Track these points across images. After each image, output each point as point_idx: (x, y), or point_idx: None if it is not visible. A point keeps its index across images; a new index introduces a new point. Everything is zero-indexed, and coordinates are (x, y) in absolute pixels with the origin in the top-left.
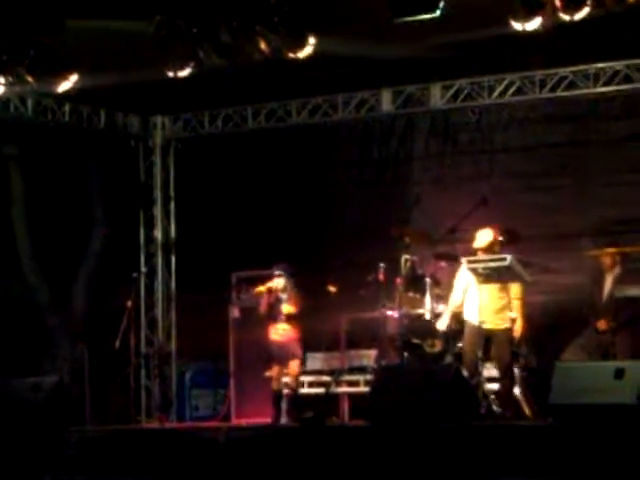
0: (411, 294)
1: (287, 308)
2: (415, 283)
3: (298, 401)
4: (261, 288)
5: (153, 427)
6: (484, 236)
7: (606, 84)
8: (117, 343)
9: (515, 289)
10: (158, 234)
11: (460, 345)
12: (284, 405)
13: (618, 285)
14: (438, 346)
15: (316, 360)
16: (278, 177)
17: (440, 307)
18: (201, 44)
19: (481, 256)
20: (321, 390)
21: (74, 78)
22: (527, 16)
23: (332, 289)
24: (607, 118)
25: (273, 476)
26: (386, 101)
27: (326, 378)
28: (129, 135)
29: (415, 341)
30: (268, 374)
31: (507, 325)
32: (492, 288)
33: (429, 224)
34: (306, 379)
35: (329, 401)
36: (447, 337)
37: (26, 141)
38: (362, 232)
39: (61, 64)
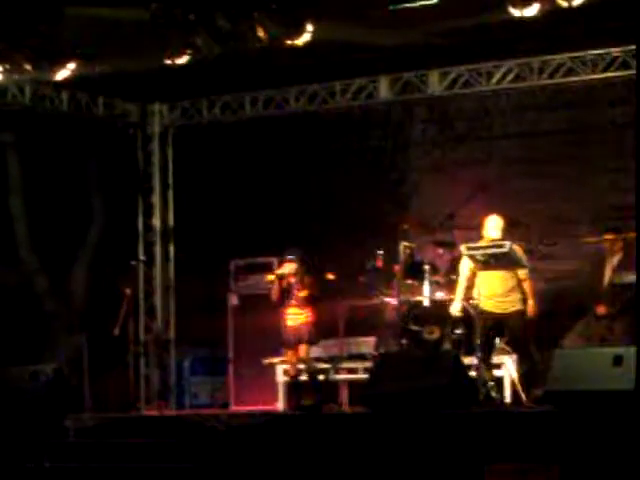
0: (410, 281)
1: (301, 292)
2: (414, 270)
3: (298, 388)
4: (270, 276)
5: (152, 414)
6: (497, 224)
7: (604, 70)
8: (116, 331)
9: (521, 270)
10: (157, 222)
11: (459, 332)
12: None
13: (618, 271)
14: (437, 333)
15: (315, 347)
16: (276, 164)
17: (438, 294)
18: (198, 31)
19: (480, 242)
20: (320, 377)
21: (72, 66)
22: (525, 2)
23: (331, 276)
24: (605, 104)
25: (273, 463)
26: (384, 88)
27: (325, 365)
28: (127, 123)
29: (414, 328)
30: (268, 362)
31: (518, 307)
32: (498, 272)
33: (427, 211)
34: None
35: (328, 388)
36: (446, 323)
37: (24, 129)
38: (360, 219)
39: (59, 52)
